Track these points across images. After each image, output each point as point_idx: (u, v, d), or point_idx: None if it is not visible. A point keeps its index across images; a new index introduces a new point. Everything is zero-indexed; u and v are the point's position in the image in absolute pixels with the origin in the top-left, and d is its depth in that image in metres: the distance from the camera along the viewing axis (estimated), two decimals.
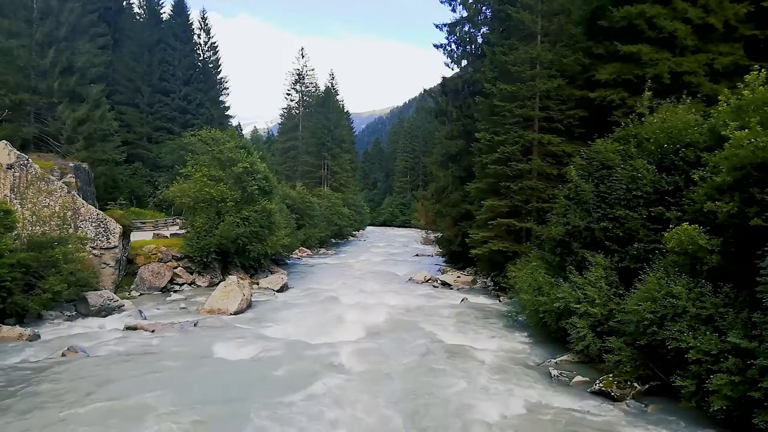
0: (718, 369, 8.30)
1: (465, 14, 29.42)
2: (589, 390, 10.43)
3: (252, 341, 13.54)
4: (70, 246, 16.40)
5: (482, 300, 21.27)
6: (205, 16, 52.19)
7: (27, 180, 18.13)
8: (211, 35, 52.05)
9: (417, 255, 42.55)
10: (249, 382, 10.45)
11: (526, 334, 15.17)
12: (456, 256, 30.97)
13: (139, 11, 50.87)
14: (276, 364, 11.64)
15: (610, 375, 10.42)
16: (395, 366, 11.88)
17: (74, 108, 29.89)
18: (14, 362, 11.19)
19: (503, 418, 9.09)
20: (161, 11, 50.49)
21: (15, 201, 17.47)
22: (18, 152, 18.54)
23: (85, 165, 25.30)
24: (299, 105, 68.42)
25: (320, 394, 9.85)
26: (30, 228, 16.85)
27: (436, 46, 30.12)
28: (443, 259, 35.71)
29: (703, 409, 8.64)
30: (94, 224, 19.21)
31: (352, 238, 61.99)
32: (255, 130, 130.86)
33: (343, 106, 75.96)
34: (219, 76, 53.46)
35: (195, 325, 15.23)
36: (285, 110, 70.46)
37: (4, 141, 18.69)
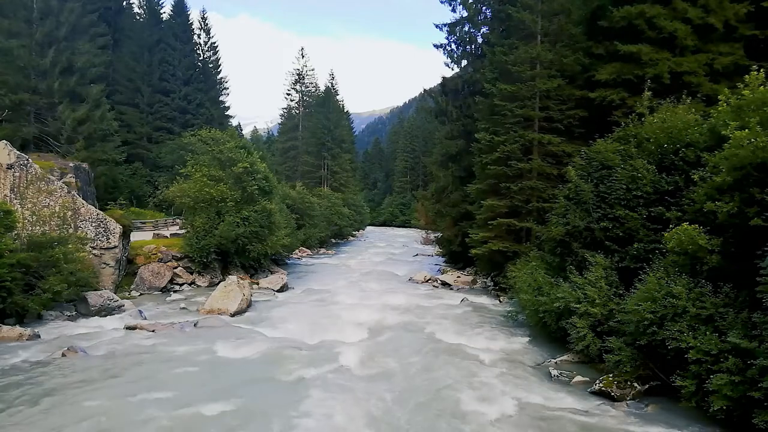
0: (718, 369, 8.30)
1: (465, 14, 29.42)
2: (589, 390, 10.43)
3: (252, 341, 13.54)
4: (70, 246, 16.39)
5: (482, 300, 21.27)
6: (205, 16, 52.25)
7: (27, 180, 18.13)
8: (211, 35, 52.06)
9: (417, 255, 42.54)
10: (249, 382, 10.45)
11: (526, 334, 15.17)
12: (456, 256, 30.97)
13: (139, 11, 50.88)
14: (276, 364, 11.65)
15: (610, 375, 10.42)
16: (395, 366, 11.89)
17: (74, 108, 29.89)
18: (14, 362, 11.18)
19: (503, 417, 9.09)
20: (161, 11, 50.48)
21: (15, 201, 17.47)
22: (18, 152, 18.54)
23: (85, 165, 25.31)
24: (299, 105, 68.41)
25: (320, 394, 9.84)
26: (30, 228, 16.85)
27: (436, 46, 30.14)
28: (443, 259, 35.71)
29: (703, 409, 8.64)
30: (94, 224, 19.21)
31: (352, 238, 61.98)
32: (255, 130, 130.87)
33: (343, 106, 75.95)
34: (219, 76, 53.45)
35: (195, 325, 15.23)
36: (285, 110, 70.46)
37: (4, 141, 18.69)
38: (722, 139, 10.09)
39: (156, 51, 46.31)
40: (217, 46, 52.65)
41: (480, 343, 14.14)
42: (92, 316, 15.92)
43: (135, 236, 23.80)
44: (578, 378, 11.06)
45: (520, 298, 15.23)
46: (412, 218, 75.35)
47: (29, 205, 17.50)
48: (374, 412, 9.14)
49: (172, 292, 21.08)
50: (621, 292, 11.60)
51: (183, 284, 22.14)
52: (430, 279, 26.66)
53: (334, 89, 69.78)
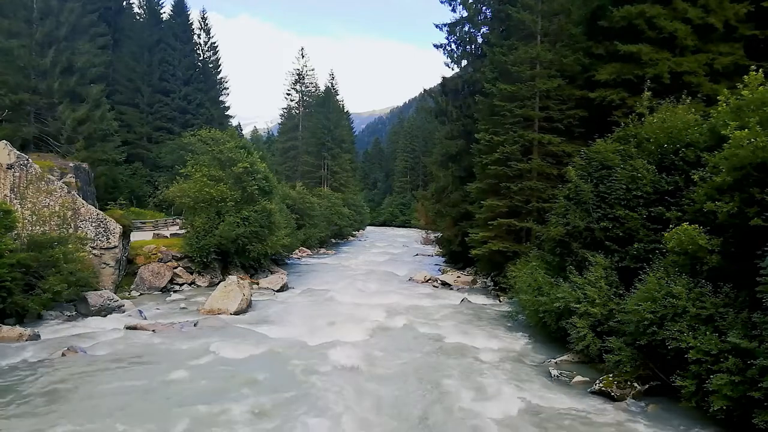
0: (718, 369, 8.29)
1: (465, 14, 29.44)
2: (589, 390, 10.43)
3: (252, 341, 13.54)
4: (70, 246, 16.39)
5: (482, 300, 21.28)
6: (205, 16, 52.28)
7: (27, 180, 18.13)
8: (211, 35, 52.10)
9: (417, 255, 42.55)
10: (249, 382, 10.44)
11: (526, 334, 15.18)
12: (456, 256, 30.98)
13: (139, 11, 50.91)
14: (276, 364, 11.65)
15: (610, 375, 10.42)
16: (395, 366, 11.89)
17: (74, 108, 29.89)
18: (14, 362, 11.18)
19: (503, 417, 9.09)
20: (161, 11, 50.51)
21: (15, 201, 17.46)
22: (18, 152, 18.55)
23: (85, 165, 25.32)
24: (299, 105, 68.42)
25: (320, 394, 9.84)
26: (30, 228, 16.84)
27: (436, 46, 30.16)
28: (443, 259, 35.72)
29: (703, 409, 8.64)
30: (94, 224, 19.22)
31: (352, 238, 61.98)
32: (255, 130, 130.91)
33: (343, 106, 75.95)
34: (219, 76, 53.49)
35: (195, 325, 15.23)
36: (285, 110, 70.46)
37: (4, 141, 18.69)
38: (722, 139, 10.08)
39: (156, 51, 46.33)
40: (217, 46, 52.73)
41: (480, 343, 14.14)
42: (92, 316, 15.91)
43: (135, 236, 23.81)
44: (578, 378, 11.06)
45: (520, 298, 15.23)
46: (412, 218, 75.35)
47: (29, 205, 17.49)
48: (374, 412, 9.14)
49: (172, 292, 21.08)
50: (621, 292, 11.60)
51: (183, 284, 22.14)
52: (430, 279, 26.66)
53: (334, 89, 69.80)
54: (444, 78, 31.35)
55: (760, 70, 10.19)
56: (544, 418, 9.11)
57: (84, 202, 19.71)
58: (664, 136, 12.53)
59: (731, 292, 9.11)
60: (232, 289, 17.98)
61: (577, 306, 11.71)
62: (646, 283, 10.26)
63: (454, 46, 30.10)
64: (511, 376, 11.32)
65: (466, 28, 29.80)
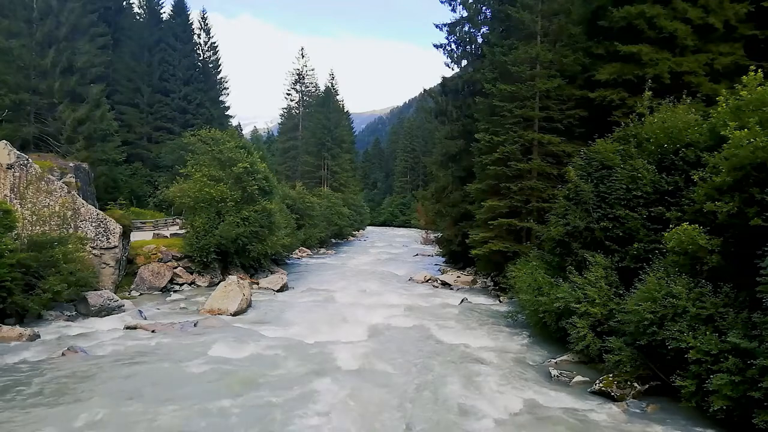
0: (718, 369, 8.30)
1: (465, 14, 29.43)
2: (589, 390, 10.43)
3: (252, 341, 13.53)
4: (70, 246, 16.38)
5: (482, 300, 21.28)
6: (205, 16, 52.27)
7: (27, 180, 18.12)
8: (211, 35, 52.10)
9: (417, 255, 42.56)
10: (249, 382, 10.44)
11: (526, 334, 15.17)
12: (456, 256, 30.98)
13: (139, 11, 50.83)
14: (276, 364, 11.65)
15: (610, 375, 10.42)
16: (395, 366, 11.88)
17: (74, 108, 29.88)
18: (14, 362, 11.18)
19: (503, 417, 9.09)
20: (161, 11, 50.47)
21: (15, 201, 17.45)
22: (18, 152, 18.54)
23: (85, 165, 25.31)
24: (299, 105, 68.49)
25: (320, 394, 9.83)
26: (30, 228, 16.82)
27: (436, 46, 30.16)
28: (443, 259, 35.71)
29: (703, 409, 8.64)
30: (94, 224, 19.21)
31: (352, 238, 61.99)
32: (255, 130, 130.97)
33: (343, 106, 75.93)
34: (219, 76, 53.49)
35: (195, 325, 15.23)
36: (285, 110, 70.53)
37: (4, 141, 18.68)
38: (722, 139, 10.09)
39: (156, 51, 46.31)
40: (217, 46, 52.74)
41: (480, 343, 14.14)
42: (92, 316, 15.90)
43: (135, 236, 23.79)
44: (578, 378, 11.06)
45: (519, 298, 15.23)
46: (412, 218, 75.46)
47: (29, 205, 17.46)
48: (374, 412, 9.13)
49: (172, 292, 21.08)
50: (621, 292, 11.59)
51: (183, 284, 22.14)
52: (430, 279, 26.67)
53: (334, 89, 69.79)
54: (444, 78, 31.35)
55: (760, 71, 10.20)
56: (543, 418, 9.11)
57: (84, 202, 19.71)
58: (664, 136, 12.53)
59: (731, 292, 9.11)
60: (232, 289, 17.98)
61: (577, 306, 11.71)
62: (646, 283, 10.26)
63: (454, 46, 30.12)
64: (511, 376, 11.31)
65: (466, 28, 29.80)
